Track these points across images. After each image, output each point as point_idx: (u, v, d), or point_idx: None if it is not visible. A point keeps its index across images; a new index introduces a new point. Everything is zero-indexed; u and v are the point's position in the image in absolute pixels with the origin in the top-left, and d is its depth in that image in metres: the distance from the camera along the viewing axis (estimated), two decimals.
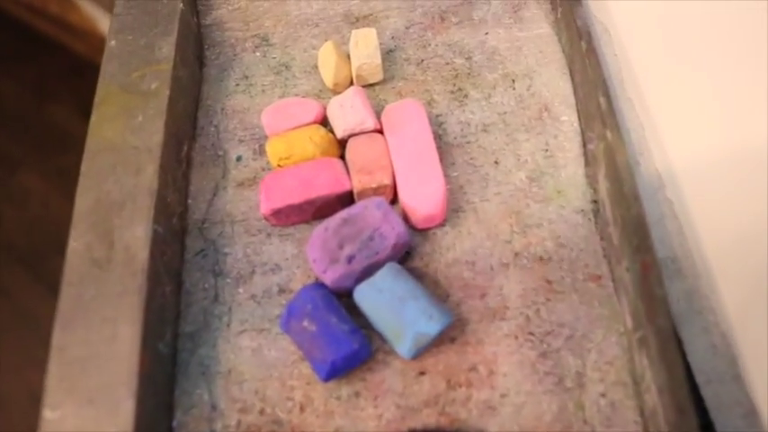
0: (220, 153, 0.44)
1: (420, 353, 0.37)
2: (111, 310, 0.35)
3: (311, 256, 0.38)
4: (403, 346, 0.36)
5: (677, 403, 0.32)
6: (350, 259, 0.37)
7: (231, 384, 0.38)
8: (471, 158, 0.43)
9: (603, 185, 0.39)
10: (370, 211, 0.38)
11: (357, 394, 0.37)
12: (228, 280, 0.40)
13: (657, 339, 0.34)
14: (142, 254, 0.36)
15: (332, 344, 0.35)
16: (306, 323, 0.36)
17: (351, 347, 0.35)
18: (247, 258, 0.41)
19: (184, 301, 0.40)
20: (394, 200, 0.41)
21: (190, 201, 0.43)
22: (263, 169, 0.43)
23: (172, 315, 0.39)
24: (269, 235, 0.41)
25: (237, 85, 0.47)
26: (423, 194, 0.39)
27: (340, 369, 0.36)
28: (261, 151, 0.44)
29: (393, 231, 0.38)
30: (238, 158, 0.44)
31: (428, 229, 0.41)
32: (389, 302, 0.36)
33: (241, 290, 0.40)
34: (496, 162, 0.42)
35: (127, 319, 0.35)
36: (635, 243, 0.35)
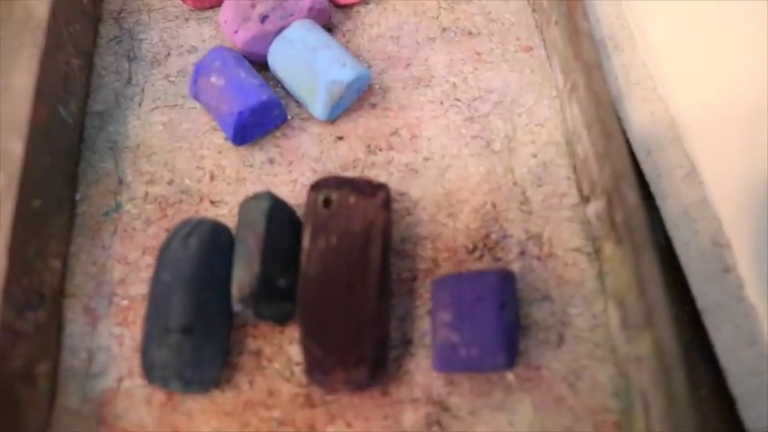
0: None
1: (337, 115, 0.35)
2: (7, 63, 0.33)
3: (222, 19, 0.36)
4: (318, 102, 0.34)
5: (604, 129, 0.30)
6: (263, 18, 0.35)
7: (139, 158, 0.35)
8: None
9: None
10: None
11: (271, 161, 0.35)
12: (143, 63, 0.38)
13: (585, 75, 0.31)
14: (42, 11, 0.35)
15: (239, 96, 0.33)
16: (213, 79, 0.34)
17: (259, 98, 0.33)
18: (163, 42, 0.39)
19: (95, 83, 0.38)
20: None
21: None
22: None
23: (80, 91, 0.37)
24: (186, 19, 0.39)
25: None
26: None
27: (249, 127, 0.34)
28: None
29: None
30: None
31: (351, 5, 0.39)
32: (302, 54, 0.34)
33: (155, 71, 0.38)
34: None
35: (22, 70, 0.33)
36: None
